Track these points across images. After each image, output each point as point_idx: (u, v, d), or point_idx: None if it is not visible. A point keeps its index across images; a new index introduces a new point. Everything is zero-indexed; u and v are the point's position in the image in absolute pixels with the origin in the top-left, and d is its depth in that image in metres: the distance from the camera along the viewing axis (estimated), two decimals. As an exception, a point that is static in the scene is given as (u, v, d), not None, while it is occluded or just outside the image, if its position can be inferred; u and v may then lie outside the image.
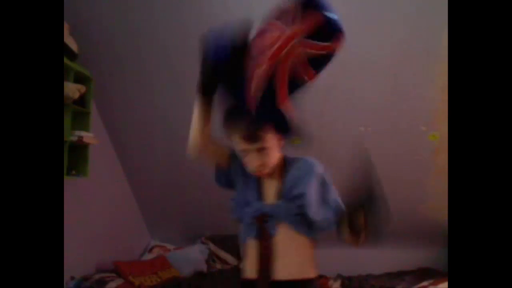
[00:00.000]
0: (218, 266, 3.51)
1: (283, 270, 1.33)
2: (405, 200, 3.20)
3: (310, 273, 1.43)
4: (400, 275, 3.23)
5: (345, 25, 2.34)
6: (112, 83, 2.86)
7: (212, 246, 3.55)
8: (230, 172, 1.46)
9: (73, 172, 2.47)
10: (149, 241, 3.71)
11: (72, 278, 2.53)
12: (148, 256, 3.41)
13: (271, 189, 1.40)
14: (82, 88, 2.36)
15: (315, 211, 1.37)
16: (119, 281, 2.56)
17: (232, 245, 3.57)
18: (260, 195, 1.39)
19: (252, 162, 1.35)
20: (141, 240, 3.67)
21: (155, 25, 2.50)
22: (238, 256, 3.52)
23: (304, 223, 1.37)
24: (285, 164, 1.45)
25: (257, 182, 1.40)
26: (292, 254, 1.37)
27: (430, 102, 2.65)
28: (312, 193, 1.38)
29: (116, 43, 2.63)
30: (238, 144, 1.34)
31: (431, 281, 2.86)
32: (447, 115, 1.61)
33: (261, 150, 1.34)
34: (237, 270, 3.39)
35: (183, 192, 3.47)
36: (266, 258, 1.33)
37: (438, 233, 2.80)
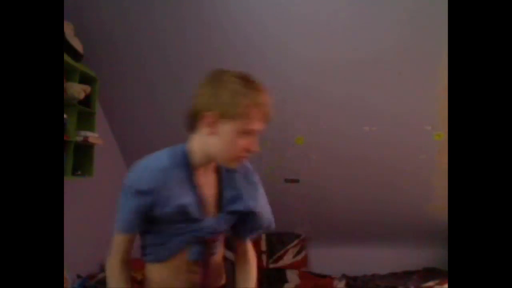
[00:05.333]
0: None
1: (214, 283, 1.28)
2: (410, 200, 3.19)
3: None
4: (406, 275, 3.22)
5: (349, 24, 2.36)
6: (117, 84, 2.88)
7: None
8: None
9: (79, 172, 2.49)
10: (154, 240, 3.72)
11: (79, 276, 2.55)
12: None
13: (210, 198, 1.20)
14: (87, 88, 2.38)
15: (268, 219, 1.27)
16: (124, 280, 2.58)
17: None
18: (202, 208, 1.17)
19: (254, 145, 1.13)
20: (147, 239, 3.68)
21: (160, 25, 2.51)
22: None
23: (242, 228, 1.27)
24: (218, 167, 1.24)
25: (196, 191, 1.16)
26: (220, 265, 1.31)
27: (435, 102, 2.63)
28: (262, 203, 1.26)
29: (121, 43, 2.65)
30: (253, 122, 1.09)
31: (436, 281, 2.85)
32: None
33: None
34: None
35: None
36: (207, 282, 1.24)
37: (443, 233, 2.78)
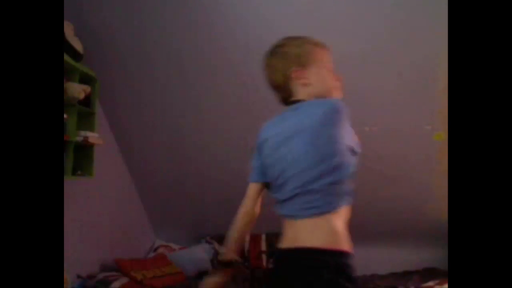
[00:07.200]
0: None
1: None
2: (410, 200, 3.19)
3: None
4: (405, 275, 3.22)
5: (349, 24, 2.35)
6: (118, 83, 2.88)
7: (217, 246, 3.56)
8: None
9: (79, 172, 2.49)
10: (154, 240, 3.73)
11: (79, 276, 2.55)
12: (152, 256, 3.43)
13: None
14: (87, 88, 2.38)
15: None
16: (124, 280, 2.58)
17: (237, 245, 3.58)
18: None
19: (336, 74, 1.35)
20: (146, 239, 3.69)
21: (160, 25, 2.51)
22: (243, 256, 3.53)
23: None
24: None
25: None
26: None
27: (435, 101, 2.64)
28: None
29: (121, 43, 2.65)
30: (324, 58, 1.31)
31: (436, 281, 2.85)
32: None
33: None
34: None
35: (188, 191, 3.49)
36: None
37: (443, 233, 2.78)
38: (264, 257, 3.52)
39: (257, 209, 1.37)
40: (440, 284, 2.77)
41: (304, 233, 1.15)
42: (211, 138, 3.11)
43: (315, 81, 1.27)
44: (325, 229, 1.14)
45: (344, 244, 1.16)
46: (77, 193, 2.66)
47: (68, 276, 2.33)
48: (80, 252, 2.62)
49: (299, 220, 1.17)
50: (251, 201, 1.35)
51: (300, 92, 1.27)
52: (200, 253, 3.37)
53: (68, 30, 2.32)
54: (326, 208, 1.15)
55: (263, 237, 3.60)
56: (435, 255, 3.33)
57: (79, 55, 2.38)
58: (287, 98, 1.30)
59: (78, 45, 2.37)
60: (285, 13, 2.36)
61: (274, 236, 3.58)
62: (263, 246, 3.56)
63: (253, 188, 1.37)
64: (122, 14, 2.49)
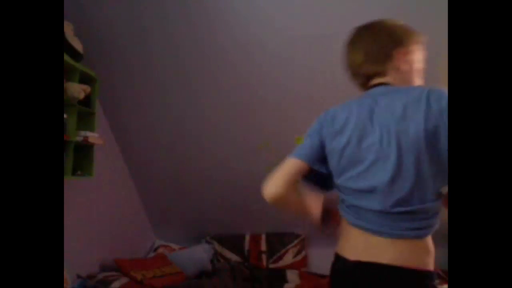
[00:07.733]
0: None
1: None
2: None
3: None
4: (405, 275, 3.21)
5: (349, 23, 2.34)
6: (118, 83, 2.88)
7: (217, 246, 3.57)
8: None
9: (79, 172, 2.49)
10: (154, 240, 3.73)
11: (79, 276, 2.55)
12: (152, 256, 3.43)
13: None
14: (87, 88, 2.38)
15: None
16: (124, 280, 2.58)
17: (237, 245, 3.58)
18: None
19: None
20: (146, 239, 3.69)
21: (160, 24, 2.51)
22: (243, 256, 3.53)
23: None
24: None
25: None
26: None
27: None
28: None
29: (121, 43, 2.65)
30: (419, 49, 1.17)
31: (436, 281, 2.84)
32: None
33: None
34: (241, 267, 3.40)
35: (188, 191, 3.49)
36: None
37: (443, 233, 2.78)
38: (264, 257, 3.52)
39: (293, 194, 1.14)
40: (440, 284, 2.77)
41: (386, 248, 1.04)
42: (211, 138, 3.11)
43: (409, 67, 1.16)
44: (414, 249, 1.04)
45: (431, 263, 1.07)
46: (77, 193, 2.66)
47: (68, 276, 2.33)
48: (80, 252, 2.61)
49: (389, 238, 1.04)
50: (287, 181, 1.15)
51: (390, 75, 1.15)
52: (200, 253, 3.37)
53: (68, 30, 2.32)
54: (427, 232, 1.05)
55: (263, 237, 3.60)
56: (435, 255, 3.32)
57: (79, 55, 2.38)
58: (370, 78, 1.18)
59: (78, 45, 2.37)
60: (285, 13, 2.36)
61: (274, 236, 3.59)
62: (263, 246, 3.56)
63: (295, 165, 1.18)
64: (122, 14, 2.48)
